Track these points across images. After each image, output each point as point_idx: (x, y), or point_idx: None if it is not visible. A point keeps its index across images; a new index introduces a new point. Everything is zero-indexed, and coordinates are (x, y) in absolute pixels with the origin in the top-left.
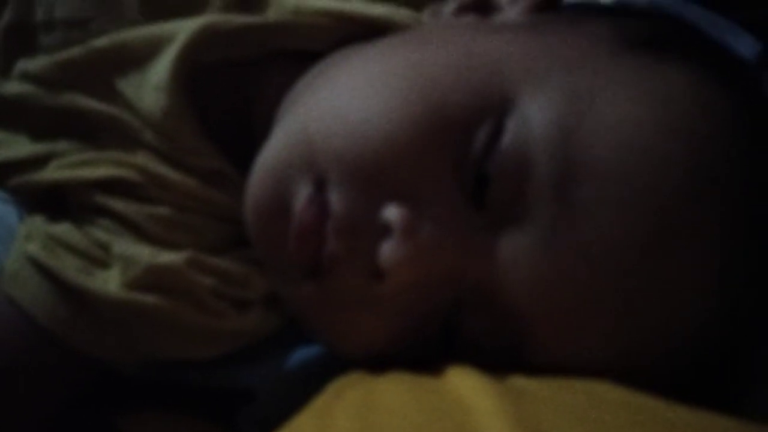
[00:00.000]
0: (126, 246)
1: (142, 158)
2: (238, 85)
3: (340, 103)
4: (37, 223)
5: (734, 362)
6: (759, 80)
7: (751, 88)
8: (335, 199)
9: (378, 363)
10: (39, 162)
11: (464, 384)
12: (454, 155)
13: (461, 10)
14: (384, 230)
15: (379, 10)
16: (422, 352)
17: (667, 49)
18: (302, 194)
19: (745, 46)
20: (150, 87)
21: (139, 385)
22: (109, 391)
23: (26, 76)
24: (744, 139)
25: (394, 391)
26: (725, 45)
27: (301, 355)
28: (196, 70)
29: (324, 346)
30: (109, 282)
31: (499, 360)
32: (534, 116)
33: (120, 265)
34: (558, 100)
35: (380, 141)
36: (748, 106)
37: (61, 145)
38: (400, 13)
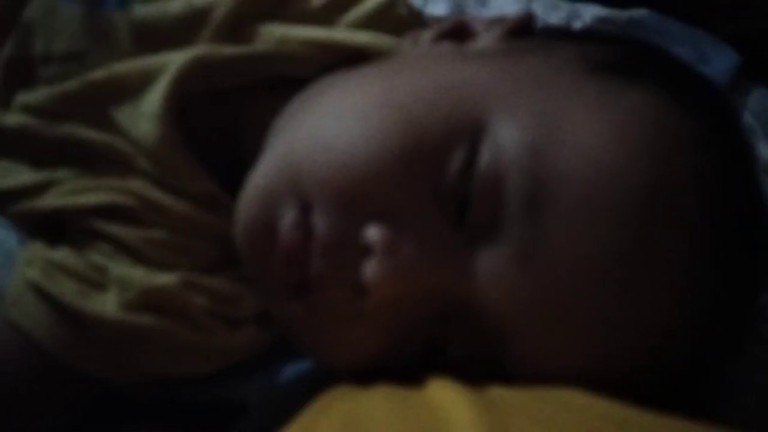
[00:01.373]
0: (122, 269)
1: (136, 184)
2: (228, 113)
3: (323, 131)
4: (37, 248)
5: (708, 370)
6: (727, 99)
7: (716, 107)
8: (319, 221)
9: (365, 376)
10: (39, 190)
11: (444, 397)
12: (432, 178)
13: (439, 37)
14: (366, 250)
15: (362, 38)
16: (407, 365)
17: (630, 73)
18: (288, 217)
19: (723, 58)
20: (143, 116)
21: (137, 403)
22: (109, 410)
23: (26, 108)
24: (705, 158)
25: (377, 404)
26: (696, 66)
27: (293, 369)
28: (187, 98)
29: (313, 361)
30: (107, 304)
31: (480, 371)
32: (505, 138)
33: (117, 287)
34: (527, 123)
35: (360, 167)
36: (711, 125)
37: (60, 173)
38: (383, 40)
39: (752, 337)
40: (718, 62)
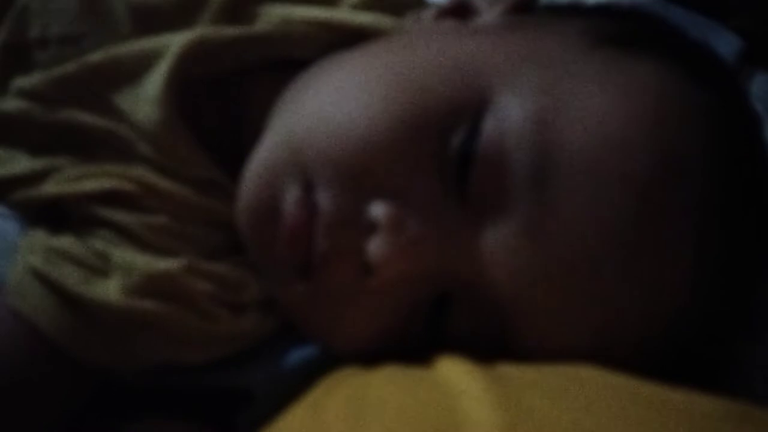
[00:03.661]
0: (125, 255)
1: (137, 170)
2: (230, 95)
3: (324, 108)
4: (39, 236)
5: (720, 343)
6: (734, 73)
7: (724, 79)
8: (323, 199)
9: (371, 357)
10: (38, 177)
11: (451, 372)
12: (436, 153)
13: (441, 15)
14: (371, 227)
15: (363, 18)
16: (413, 345)
17: (636, 45)
18: (291, 196)
19: (726, 43)
20: (144, 100)
21: (141, 393)
22: (113, 400)
23: (23, 93)
24: (713, 126)
25: (384, 383)
26: (702, 42)
27: (298, 355)
28: (188, 81)
29: (318, 344)
30: (109, 290)
31: (486, 350)
32: (509, 112)
33: (119, 273)
34: (531, 97)
35: (363, 142)
36: (719, 95)
37: (60, 160)
38: (385, 21)
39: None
40: (721, 48)
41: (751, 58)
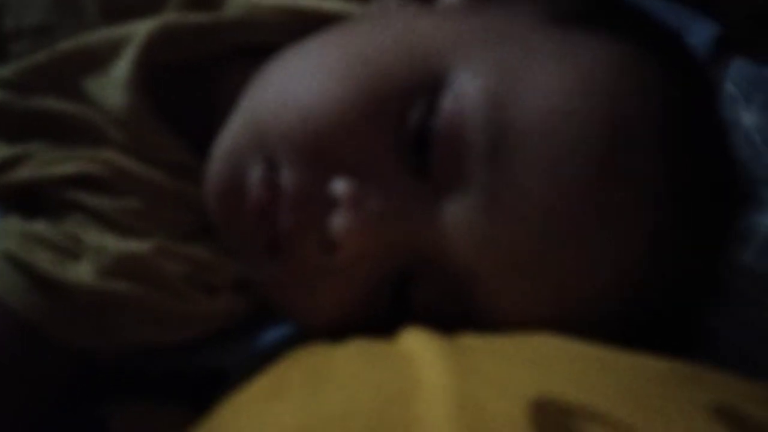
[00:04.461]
0: (96, 237)
1: (108, 153)
2: (200, 82)
3: (286, 90)
4: (13, 222)
5: (684, 311)
6: (687, 45)
7: (681, 54)
8: (286, 177)
9: (340, 333)
10: (12, 164)
11: (414, 342)
12: (395, 130)
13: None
14: (333, 204)
15: (331, 5)
16: (382, 323)
17: (591, 22)
18: (255, 176)
19: (703, 29)
20: (112, 86)
21: (121, 377)
22: (93, 385)
23: None
24: (667, 98)
25: (347, 354)
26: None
27: (273, 334)
28: (158, 68)
29: (291, 321)
30: (82, 272)
31: (452, 324)
32: (466, 88)
33: (91, 255)
34: (488, 73)
35: (323, 121)
36: (673, 67)
37: (33, 146)
38: (352, 7)
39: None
40: (699, 34)
41: (730, 45)
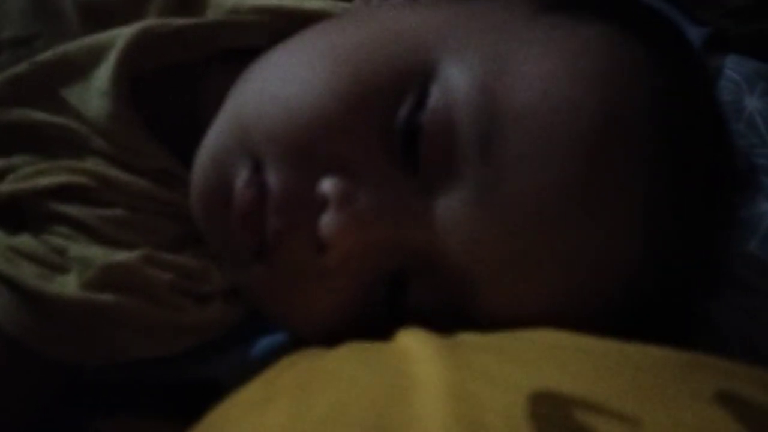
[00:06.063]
0: (81, 249)
1: (92, 163)
2: (184, 87)
3: (270, 89)
4: None
5: (681, 302)
6: (680, 31)
7: (674, 42)
8: (272, 178)
9: (334, 339)
10: None
11: (410, 341)
12: (383, 126)
13: None
14: (322, 204)
15: (313, 4)
16: (376, 326)
17: (581, 9)
18: (241, 178)
19: (695, 30)
20: (94, 94)
21: (112, 390)
22: (84, 397)
23: None
24: (659, 85)
25: (340, 356)
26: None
27: (266, 343)
28: (140, 74)
29: (282, 327)
30: (68, 285)
31: (449, 323)
32: (455, 80)
33: (77, 267)
34: (477, 63)
35: (308, 119)
36: (666, 54)
37: (15, 160)
38: (335, 5)
39: (743, 286)
40: (690, 33)
41: (721, 47)
